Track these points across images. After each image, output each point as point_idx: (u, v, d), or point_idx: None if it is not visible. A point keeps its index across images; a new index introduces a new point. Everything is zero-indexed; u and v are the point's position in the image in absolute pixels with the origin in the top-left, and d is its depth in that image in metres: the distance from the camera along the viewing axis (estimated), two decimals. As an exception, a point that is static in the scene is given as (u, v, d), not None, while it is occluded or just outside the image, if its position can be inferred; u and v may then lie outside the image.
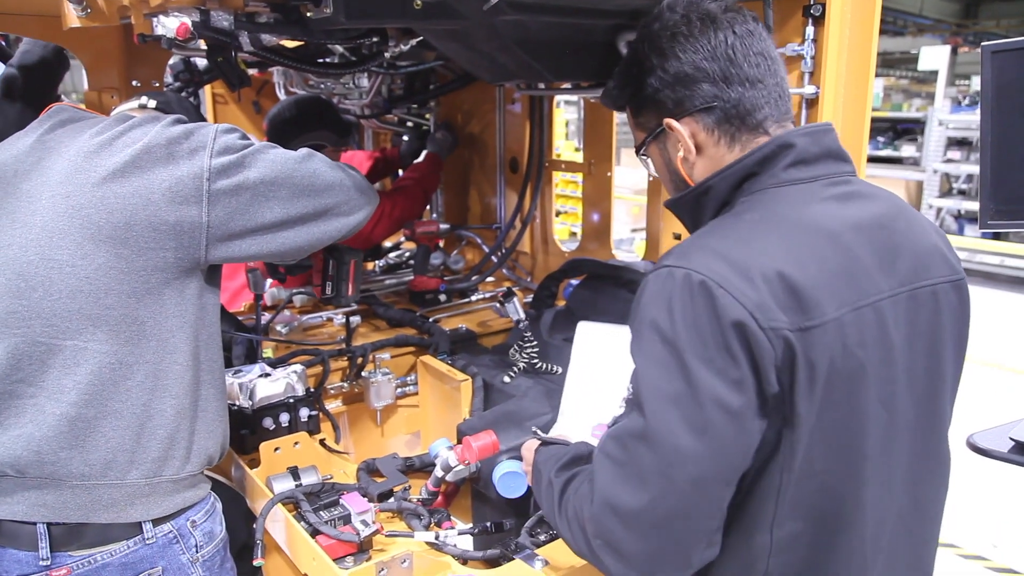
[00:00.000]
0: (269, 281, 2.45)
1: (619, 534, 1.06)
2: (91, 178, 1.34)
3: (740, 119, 1.21)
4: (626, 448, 1.07)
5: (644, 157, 1.37)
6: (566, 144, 9.28)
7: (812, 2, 1.72)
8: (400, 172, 3.45)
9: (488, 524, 1.71)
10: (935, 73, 9.98)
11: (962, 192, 9.94)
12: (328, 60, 2.44)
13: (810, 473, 1.08)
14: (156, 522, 1.40)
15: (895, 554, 1.22)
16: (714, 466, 1.03)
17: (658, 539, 1.05)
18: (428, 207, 3.67)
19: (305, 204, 1.48)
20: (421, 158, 3.15)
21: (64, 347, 1.32)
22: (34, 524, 1.33)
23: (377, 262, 3.49)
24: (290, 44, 2.38)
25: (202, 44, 2.13)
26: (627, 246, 8.02)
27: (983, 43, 1.39)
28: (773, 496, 1.08)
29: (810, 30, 1.76)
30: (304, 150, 1.54)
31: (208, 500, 1.53)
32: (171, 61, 2.69)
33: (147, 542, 1.39)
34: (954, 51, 10.36)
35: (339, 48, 2.31)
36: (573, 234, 7.27)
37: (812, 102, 1.83)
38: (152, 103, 1.65)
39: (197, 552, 1.46)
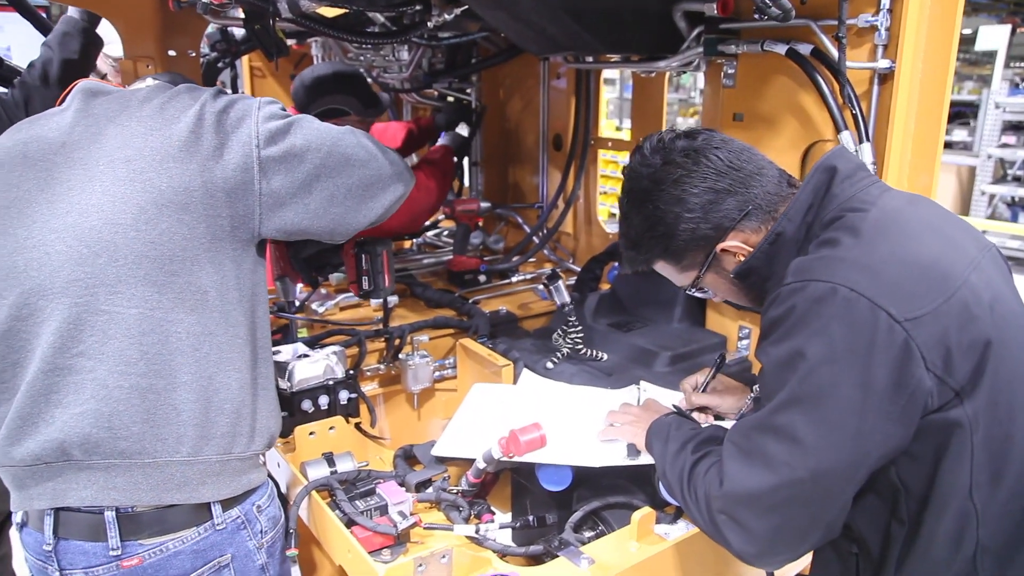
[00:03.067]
0: (299, 287, 2.39)
1: (742, 513, 1.18)
2: (150, 143, 1.33)
3: (770, 202, 1.33)
4: (750, 439, 1.19)
5: (700, 290, 1.46)
6: (607, 123, 9.14)
7: (890, -33, 1.59)
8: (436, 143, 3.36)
9: (530, 518, 1.64)
10: (989, 55, 9.59)
11: (1017, 179, 9.59)
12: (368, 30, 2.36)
13: (1002, 436, 1.14)
14: (225, 506, 1.36)
15: None
16: (833, 461, 1.11)
17: (779, 519, 1.15)
18: (467, 185, 3.59)
19: (350, 175, 1.47)
20: (438, 144, 2.99)
21: (129, 315, 1.28)
22: (101, 513, 1.28)
23: (415, 241, 3.42)
24: (330, 13, 2.31)
25: (239, 12, 2.06)
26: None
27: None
28: (966, 463, 1.13)
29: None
30: (346, 127, 1.52)
31: (268, 484, 1.49)
32: (208, 31, 2.63)
33: (217, 528, 1.35)
34: (1012, 31, 9.97)
35: (380, 17, 2.23)
36: (613, 215, 7.14)
37: (885, 77, 1.71)
38: (157, 83, 1.59)
39: (262, 538, 1.43)
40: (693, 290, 1.46)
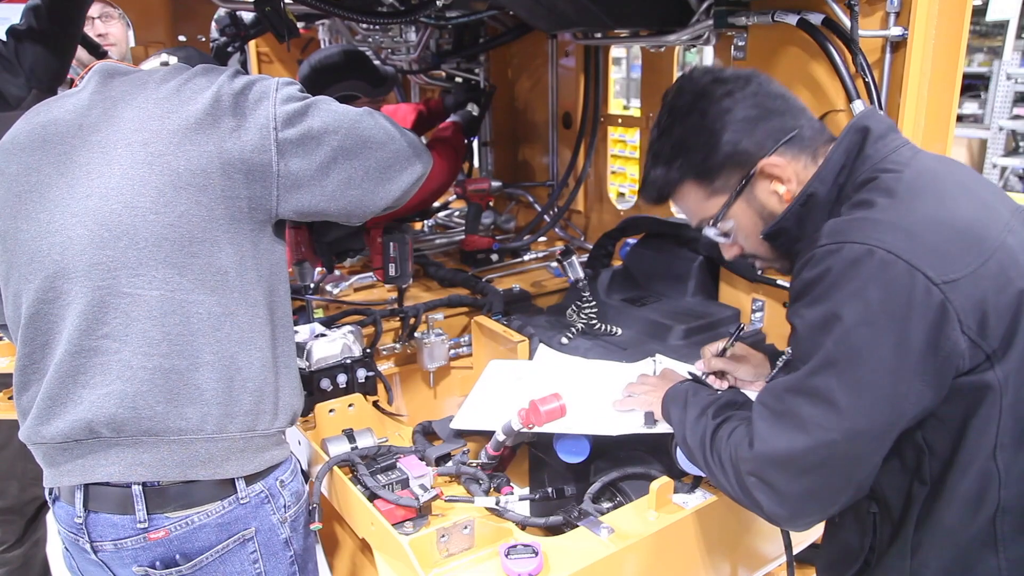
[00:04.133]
0: (317, 270, 2.41)
1: (773, 475, 1.18)
2: (167, 125, 1.33)
3: (813, 138, 1.32)
4: (784, 401, 1.18)
5: (722, 226, 1.38)
6: (614, 102, 9.09)
7: (902, -68, 1.58)
8: None
9: (549, 490, 1.66)
10: (999, 27, 9.46)
11: (1029, 150, 9.48)
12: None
13: None
14: (249, 481, 1.38)
15: None
16: (868, 423, 1.11)
17: (811, 481, 1.16)
18: (478, 165, 3.59)
19: (367, 158, 1.47)
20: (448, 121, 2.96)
21: (151, 296, 1.29)
22: (128, 487, 1.30)
23: (426, 222, 3.43)
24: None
25: (249, -6, 2.06)
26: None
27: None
28: (993, 425, 1.13)
29: (899, -36, 1.64)
30: (364, 108, 1.52)
31: (292, 460, 1.51)
32: (217, 15, 2.64)
33: (241, 502, 1.37)
34: None
35: (389, -3, 2.23)
36: (621, 195, 7.12)
37: (897, 45, 1.71)
38: (173, 59, 1.59)
39: (286, 512, 1.45)
40: (715, 226, 1.39)
